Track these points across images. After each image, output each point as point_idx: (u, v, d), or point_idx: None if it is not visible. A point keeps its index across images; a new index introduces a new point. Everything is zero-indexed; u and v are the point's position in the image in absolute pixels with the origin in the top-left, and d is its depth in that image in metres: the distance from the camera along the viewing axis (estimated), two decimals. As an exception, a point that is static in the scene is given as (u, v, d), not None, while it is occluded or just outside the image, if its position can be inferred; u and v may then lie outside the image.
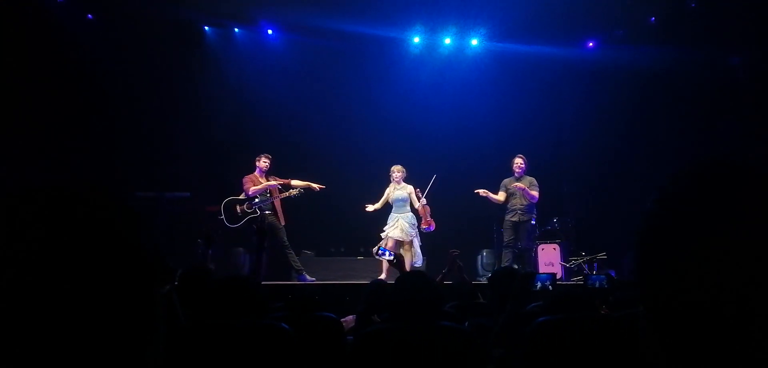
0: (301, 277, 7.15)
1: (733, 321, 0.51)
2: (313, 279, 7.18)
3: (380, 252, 6.73)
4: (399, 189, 7.36)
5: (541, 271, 7.42)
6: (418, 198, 7.28)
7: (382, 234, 7.32)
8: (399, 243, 7.15)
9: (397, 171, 7.42)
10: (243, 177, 7.36)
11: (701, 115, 8.11)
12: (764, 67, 7.53)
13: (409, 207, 7.32)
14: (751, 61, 7.83)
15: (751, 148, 7.39)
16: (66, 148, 7.66)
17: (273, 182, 7.37)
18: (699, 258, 0.53)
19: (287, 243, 7.26)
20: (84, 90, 7.97)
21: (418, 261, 7.30)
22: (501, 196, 7.49)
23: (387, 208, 7.42)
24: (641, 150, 8.42)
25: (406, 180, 7.49)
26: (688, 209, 0.55)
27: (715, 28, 7.56)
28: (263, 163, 7.37)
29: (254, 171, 7.40)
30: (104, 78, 8.18)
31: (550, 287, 3.15)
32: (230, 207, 7.32)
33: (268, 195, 7.32)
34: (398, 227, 7.19)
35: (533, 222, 7.57)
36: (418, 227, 7.32)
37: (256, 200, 7.25)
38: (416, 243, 7.27)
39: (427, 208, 7.32)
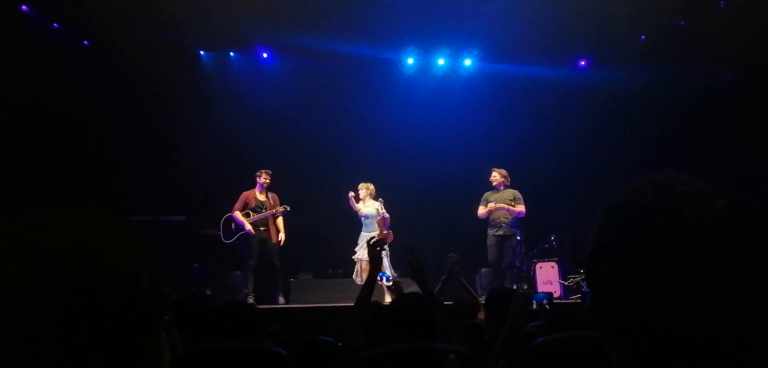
0: (275, 297, 7.08)
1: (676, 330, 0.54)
2: (283, 301, 7.09)
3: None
4: (366, 207, 7.26)
5: (539, 289, 7.37)
6: (379, 212, 7.12)
7: (354, 257, 7.23)
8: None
9: (361, 188, 7.32)
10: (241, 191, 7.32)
11: (692, 129, 8.19)
12: (753, 81, 7.63)
13: (377, 225, 7.20)
14: (741, 77, 7.94)
15: (741, 161, 7.46)
16: (61, 173, 7.64)
17: (269, 209, 7.28)
18: (638, 274, 0.56)
19: (276, 263, 7.18)
20: (80, 115, 7.98)
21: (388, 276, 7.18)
22: (482, 210, 7.30)
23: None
24: (634, 166, 8.45)
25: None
26: (627, 230, 0.58)
27: (703, 45, 7.67)
28: (264, 179, 7.30)
29: (255, 187, 7.35)
30: (100, 103, 8.20)
31: (547, 306, 3.14)
32: (227, 223, 7.30)
33: (264, 209, 7.25)
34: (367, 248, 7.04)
35: (519, 237, 7.37)
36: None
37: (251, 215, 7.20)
38: (386, 260, 7.13)
39: (386, 219, 7.13)
